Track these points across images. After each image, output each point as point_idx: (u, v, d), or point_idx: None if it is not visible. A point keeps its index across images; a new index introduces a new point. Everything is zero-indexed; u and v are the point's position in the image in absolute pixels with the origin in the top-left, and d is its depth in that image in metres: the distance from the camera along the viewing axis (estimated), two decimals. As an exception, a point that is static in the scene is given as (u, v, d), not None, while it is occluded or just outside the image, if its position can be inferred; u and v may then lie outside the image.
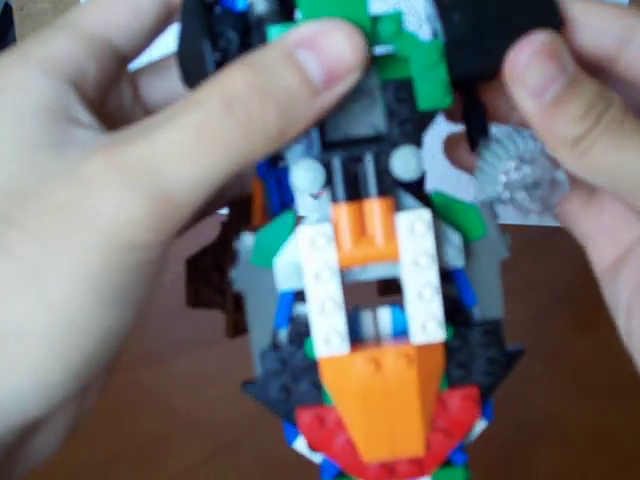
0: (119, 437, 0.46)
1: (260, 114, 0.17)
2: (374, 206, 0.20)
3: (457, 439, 0.22)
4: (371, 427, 0.21)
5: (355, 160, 0.20)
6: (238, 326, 0.25)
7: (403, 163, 0.20)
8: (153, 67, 0.23)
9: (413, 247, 0.20)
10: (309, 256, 0.20)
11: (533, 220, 0.71)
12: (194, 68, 0.20)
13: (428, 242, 0.20)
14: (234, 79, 0.18)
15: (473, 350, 0.21)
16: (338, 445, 0.22)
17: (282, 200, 0.25)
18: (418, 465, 0.22)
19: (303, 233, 0.20)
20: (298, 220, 0.21)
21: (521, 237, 0.68)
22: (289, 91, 0.18)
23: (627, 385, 0.50)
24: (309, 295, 0.20)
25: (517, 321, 0.55)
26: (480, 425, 0.22)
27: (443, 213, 0.21)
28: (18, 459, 0.21)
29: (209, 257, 0.26)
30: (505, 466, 0.45)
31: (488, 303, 0.22)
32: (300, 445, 0.22)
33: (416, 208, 0.20)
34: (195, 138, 0.17)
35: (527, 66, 0.19)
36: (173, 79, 0.22)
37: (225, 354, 0.48)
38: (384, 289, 0.25)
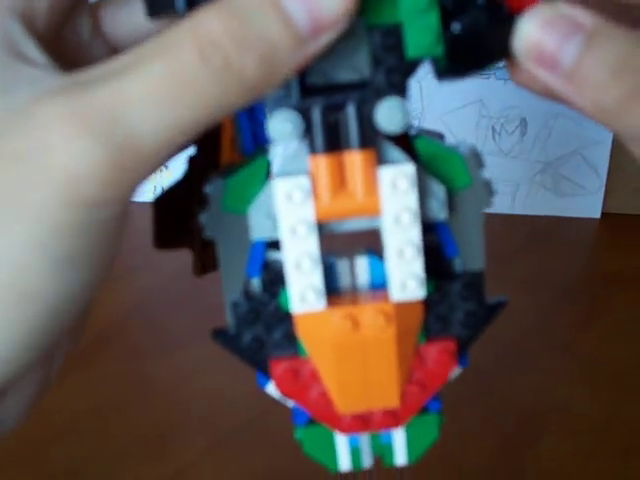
0: (124, 429, 0.46)
1: (238, 63, 0.16)
2: (355, 159, 0.19)
3: (433, 391, 0.22)
4: (347, 381, 0.21)
5: (336, 108, 0.18)
6: (205, 264, 0.24)
7: (388, 115, 0.18)
8: None
9: (395, 204, 0.19)
10: (285, 210, 0.19)
11: (539, 211, 0.71)
12: (160, 2, 0.18)
13: (411, 199, 0.19)
14: (211, 23, 0.16)
15: (452, 303, 0.21)
16: (312, 397, 0.21)
17: (254, 135, 0.23)
18: (393, 416, 0.22)
19: (279, 186, 0.19)
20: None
21: (527, 229, 0.68)
22: (271, 39, 0.16)
23: (632, 376, 0.50)
24: (285, 250, 0.19)
25: (523, 313, 0.55)
26: (455, 372, 0.22)
27: (427, 161, 0.20)
28: None
29: (176, 196, 0.24)
30: (509, 456, 0.45)
31: (470, 255, 0.21)
32: (272, 389, 0.22)
33: (400, 162, 0.19)
34: (165, 85, 0.16)
35: (533, 38, 0.17)
36: (139, 12, 0.20)
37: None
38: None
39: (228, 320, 0.21)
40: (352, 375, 0.21)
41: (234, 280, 0.21)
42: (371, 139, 0.19)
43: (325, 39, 0.17)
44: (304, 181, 0.19)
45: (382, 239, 0.20)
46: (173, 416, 0.47)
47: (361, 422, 0.22)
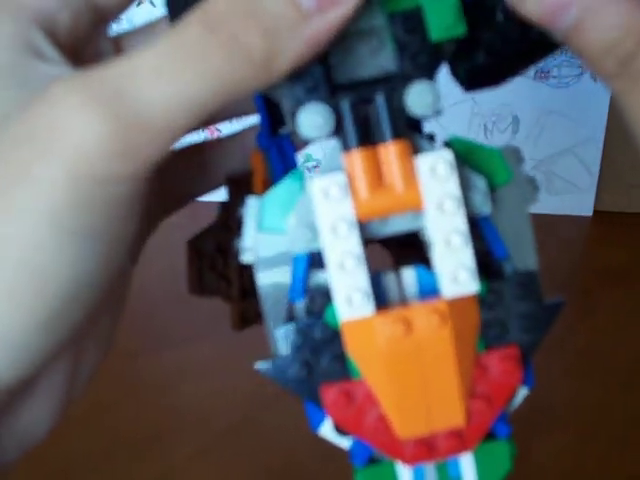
0: (116, 428, 0.46)
1: (243, 36, 0.16)
2: (390, 150, 0.18)
3: (500, 406, 0.20)
4: (405, 398, 0.19)
5: (365, 101, 0.18)
6: (245, 317, 0.23)
7: (419, 99, 0.18)
8: (138, 31, 0.22)
9: (437, 191, 0.18)
10: (323, 209, 0.18)
11: (532, 209, 0.70)
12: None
13: (452, 184, 0.18)
14: (216, 3, 0.16)
15: (508, 306, 0.19)
16: (369, 423, 0.19)
17: (286, 170, 0.23)
18: (459, 438, 0.20)
19: (315, 185, 0.18)
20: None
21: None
22: (273, 12, 0.16)
23: (625, 372, 0.50)
24: (327, 252, 0.18)
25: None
26: (522, 392, 0.20)
27: (463, 157, 0.19)
28: None
29: (211, 239, 0.24)
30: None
31: (520, 253, 0.20)
32: (326, 430, 0.20)
33: (434, 150, 0.18)
34: (171, 57, 0.16)
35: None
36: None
37: (224, 345, 0.48)
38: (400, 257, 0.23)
39: (272, 348, 0.20)
40: (410, 390, 0.19)
41: (277, 309, 0.20)
42: (403, 129, 0.18)
43: (333, 16, 0.16)
44: (340, 177, 0.18)
45: (427, 236, 0.19)
46: (165, 416, 0.47)
47: (425, 448, 0.20)
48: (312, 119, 0.18)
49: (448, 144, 0.19)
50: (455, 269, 0.18)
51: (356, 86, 0.18)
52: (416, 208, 0.18)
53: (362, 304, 0.18)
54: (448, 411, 0.19)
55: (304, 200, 0.19)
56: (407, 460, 0.20)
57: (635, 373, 0.50)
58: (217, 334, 0.47)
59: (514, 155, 0.20)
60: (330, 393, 0.19)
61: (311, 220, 0.19)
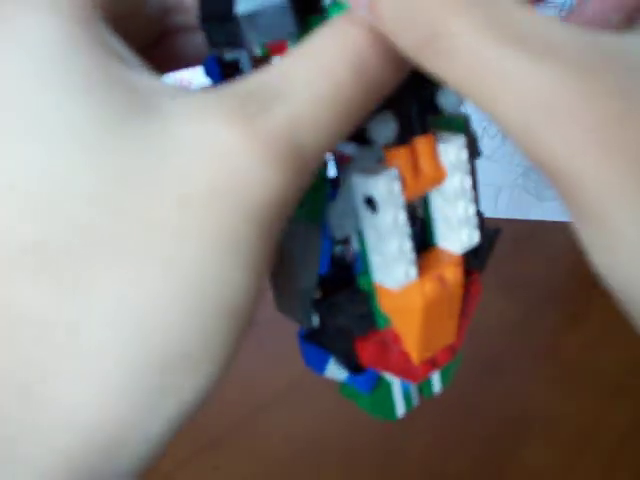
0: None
1: (382, 75, 0.17)
2: (422, 142, 0.21)
3: (471, 317, 0.25)
4: (427, 335, 0.23)
5: (405, 104, 0.21)
6: None
7: (448, 99, 0.21)
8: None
9: (458, 174, 0.22)
10: (385, 203, 0.21)
11: (521, 215, 0.71)
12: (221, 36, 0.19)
13: (467, 166, 0.22)
14: (357, 39, 0.17)
15: None
16: (393, 360, 0.24)
17: None
18: (451, 350, 0.25)
19: (379, 182, 0.21)
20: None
21: (509, 233, 0.68)
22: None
23: (615, 381, 0.49)
24: (389, 240, 0.21)
25: (505, 318, 0.55)
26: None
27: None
28: None
29: None
30: (492, 462, 0.44)
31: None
32: (331, 370, 0.24)
33: (451, 137, 0.22)
34: (329, 110, 0.16)
35: None
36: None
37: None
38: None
39: (306, 321, 0.23)
40: (432, 328, 0.23)
41: (309, 280, 0.23)
42: (428, 124, 0.21)
43: None
44: (394, 172, 0.21)
45: (443, 207, 0.23)
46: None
47: (430, 365, 0.25)
48: (384, 128, 0.20)
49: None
50: (470, 230, 0.23)
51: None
52: (439, 185, 0.22)
53: (413, 274, 0.22)
54: (448, 334, 0.24)
55: (343, 193, 0.21)
56: (418, 379, 0.25)
57: (624, 382, 0.50)
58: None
59: (467, 120, 0.24)
60: (368, 347, 0.23)
61: (348, 210, 0.21)
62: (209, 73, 0.23)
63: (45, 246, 0.14)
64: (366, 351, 0.23)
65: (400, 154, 0.21)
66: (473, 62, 0.15)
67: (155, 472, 0.43)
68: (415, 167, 0.21)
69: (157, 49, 0.22)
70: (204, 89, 0.16)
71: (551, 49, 0.14)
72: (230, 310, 0.16)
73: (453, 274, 0.23)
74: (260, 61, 0.21)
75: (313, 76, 0.16)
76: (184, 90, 0.16)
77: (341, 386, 0.26)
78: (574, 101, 0.14)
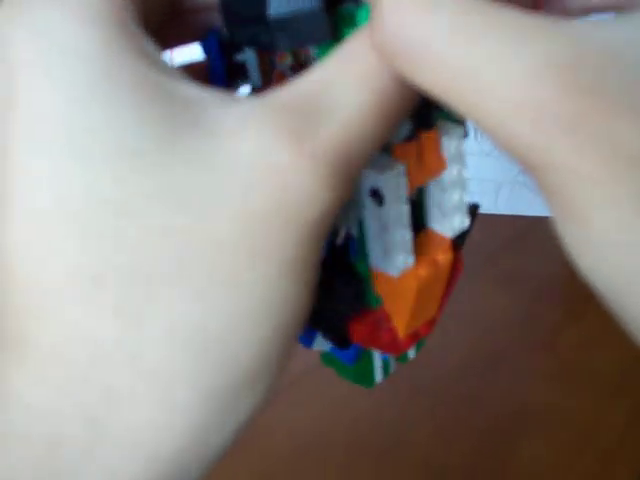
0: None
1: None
2: (427, 137, 0.22)
3: (452, 289, 0.26)
4: (416, 312, 0.24)
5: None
6: None
7: None
8: None
9: (456, 165, 0.23)
10: (391, 197, 0.21)
11: (522, 211, 0.71)
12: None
13: (464, 157, 0.23)
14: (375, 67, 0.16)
15: None
16: (383, 338, 0.25)
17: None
18: (432, 323, 0.26)
19: (386, 179, 0.21)
20: None
21: (509, 229, 0.68)
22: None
23: (613, 377, 0.50)
24: (392, 232, 0.22)
25: (503, 314, 0.55)
26: None
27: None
28: None
29: None
30: (489, 457, 0.45)
31: None
32: (319, 344, 0.25)
33: (450, 129, 0.22)
34: (375, 119, 0.16)
35: None
36: None
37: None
38: None
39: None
40: (421, 306, 0.24)
41: None
42: (432, 122, 0.22)
43: None
44: (402, 168, 0.21)
45: (437, 196, 0.23)
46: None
47: (413, 338, 0.26)
48: (401, 130, 0.21)
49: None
50: (462, 216, 0.24)
51: None
52: (438, 175, 0.23)
53: (410, 260, 0.23)
54: (431, 309, 0.25)
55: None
56: (401, 351, 0.26)
57: (622, 379, 0.50)
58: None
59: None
60: (361, 328, 0.24)
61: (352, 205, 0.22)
62: (208, 51, 0.22)
63: (109, 274, 0.14)
64: (360, 332, 0.24)
65: (409, 150, 0.21)
66: (444, 61, 0.14)
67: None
68: (420, 161, 0.22)
69: (163, 28, 0.22)
70: (248, 97, 0.16)
71: (523, 41, 0.14)
72: (288, 326, 0.16)
73: (445, 257, 0.24)
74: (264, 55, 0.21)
75: (358, 85, 0.16)
76: (227, 98, 0.16)
77: (322, 355, 0.27)
78: (549, 95, 0.13)
